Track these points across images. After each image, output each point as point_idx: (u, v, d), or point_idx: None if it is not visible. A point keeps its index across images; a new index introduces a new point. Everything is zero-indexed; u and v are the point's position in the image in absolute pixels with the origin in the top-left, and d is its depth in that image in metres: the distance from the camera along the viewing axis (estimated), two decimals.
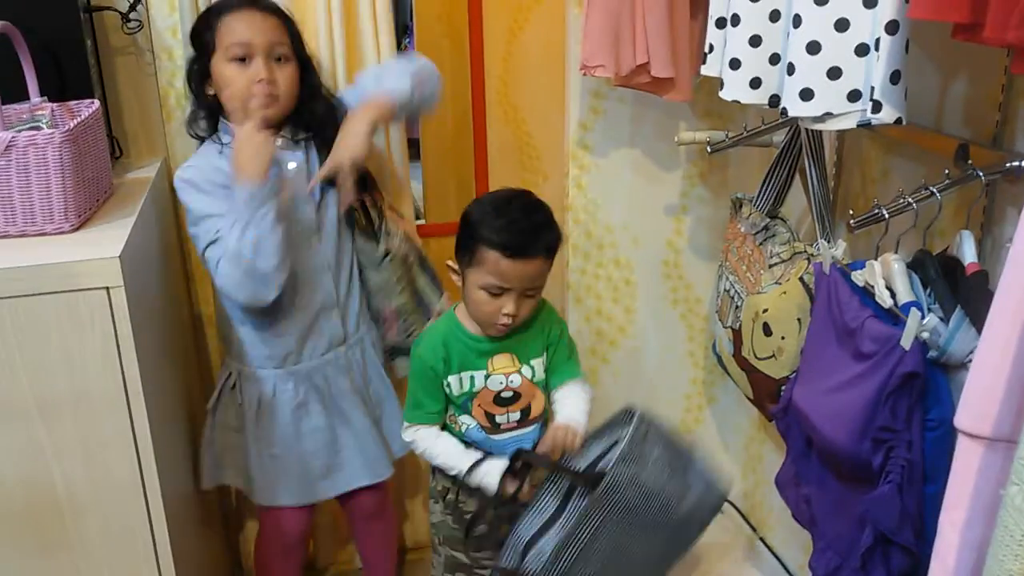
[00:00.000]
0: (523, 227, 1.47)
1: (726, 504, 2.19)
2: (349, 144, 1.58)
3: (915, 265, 1.25)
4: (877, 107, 1.19)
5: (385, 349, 1.82)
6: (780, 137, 1.75)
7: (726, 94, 1.39)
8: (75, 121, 1.39)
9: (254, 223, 1.49)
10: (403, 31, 2.30)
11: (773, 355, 1.62)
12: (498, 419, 1.59)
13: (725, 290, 1.82)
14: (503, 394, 1.58)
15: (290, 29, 1.61)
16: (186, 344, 1.89)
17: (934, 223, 1.27)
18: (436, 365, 1.56)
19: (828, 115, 1.24)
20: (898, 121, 1.20)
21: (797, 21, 1.23)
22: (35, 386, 1.27)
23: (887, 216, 1.28)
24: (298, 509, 1.78)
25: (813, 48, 1.21)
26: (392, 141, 1.90)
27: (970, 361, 1.08)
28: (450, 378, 1.57)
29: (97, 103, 1.52)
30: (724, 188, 2.11)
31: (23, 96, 1.50)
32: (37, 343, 1.26)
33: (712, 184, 2.13)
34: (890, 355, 1.18)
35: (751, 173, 1.97)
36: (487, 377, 1.57)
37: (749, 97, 1.36)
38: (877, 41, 1.17)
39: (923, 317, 1.14)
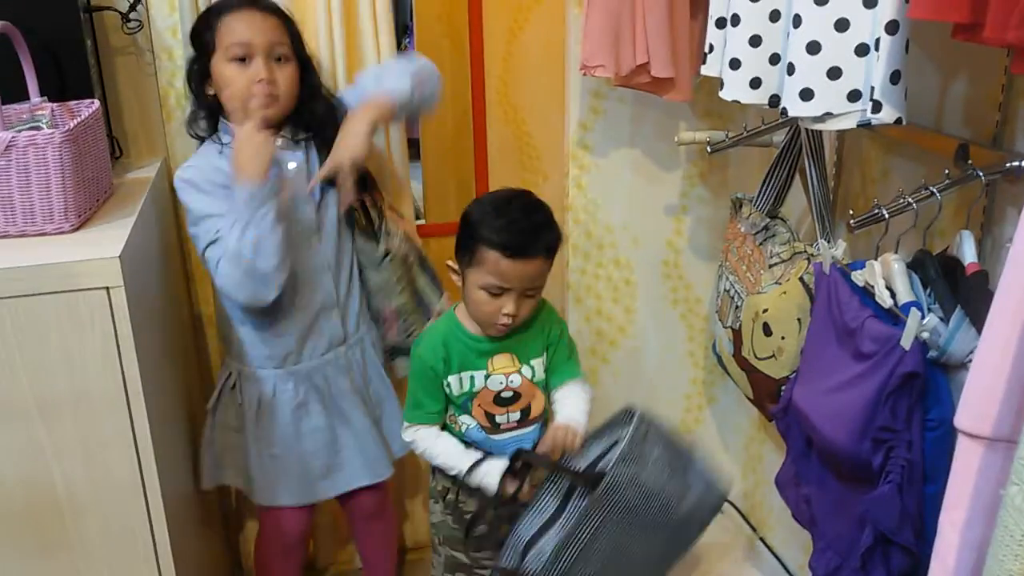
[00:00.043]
0: (523, 227, 1.47)
1: (726, 504, 2.19)
2: (349, 144, 1.58)
3: (915, 265, 1.25)
4: (877, 107, 1.19)
5: (385, 349, 1.82)
6: (780, 137, 1.75)
7: (726, 94, 1.39)
8: (75, 121, 1.39)
9: (254, 223, 1.49)
10: (403, 31, 2.30)
11: (773, 355, 1.62)
12: (498, 419, 1.59)
13: (725, 290, 1.82)
14: (503, 394, 1.58)
15: (290, 29, 1.61)
16: (186, 344, 1.89)
17: (934, 223, 1.27)
18: (436, 365, 1.56)
19: (828, 115, 1.24)
20: (898, 121, 1.20)
21: (797, 21, 1.23)
22: (35, 386, 1.27)
23: (887, 216, 1.28)
24: (298, 509, 1.78)
25: (813, 48, 1.21)
26: (392, 141, 1.90)
27: (970, 361, 1.08)
28: (450, 378, 1.57)
29: (97, 103, 1.52)
30: (724, 188, 2.11)
31: (23, 96, 1.50)
32: (37, 343, 1.26)
33: (712, 184, 2.13)
34: (890, 355, 1.18)
35: (751, 173, 1.97)
36: (487, 377, 1.57)
37: (749, 97, 1.36)
38: (877, 41, 1.17)
39: (923, 317, 1.14)
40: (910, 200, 1.27)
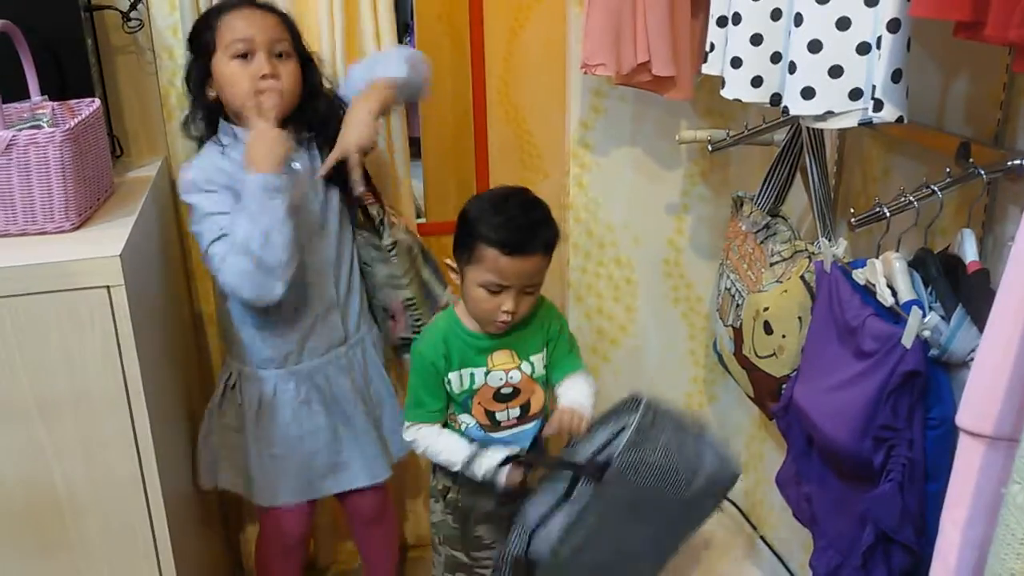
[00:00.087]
0: (521, 224, 1.47)
1: (727, 503, 2.21)
2: (355, 130, 1.58)
3: (916, 263, 1.25)
4: (878, 105, 1.18)
5: (393, 344, 1.81)
6: (781, 136, 1.75)
7: (727, 93, 1.39)
8: (76, 120, 1.39)
9: (265, 215, 1.47)
10: (404, 30, 2.30)
11: (774, 353, 1.62)
12: (498, 416, 1.59)
13: (726, 288, 1.82)
14: (503, 390, 1.58)
15: (289, 27, 1.61)
16: (187, 343, 1.89)
17: (935, 221, 1.27)
18: (437, 361, 1.56)
19: (829, 113, 1.23)
20: (899, 119, 1.19)
21: (798, 20, 1.22)
22: (35, 385, 1.27)
23: (888, 214, 1.28)
24: (298, 510, 1.77)
25: (814, 47, 1.21)
26: (394, 141, 1.90)
27: (971, 359, 1.08)
28: (451, 375, 1.57)
29: (98, 102, 1.52)
30: (725, 187, 2.11)
31: (24, 95, 1.50)
32: (37, 342, 1.26)
33: (713, 183, 2.13)
34: (891, 353, 1.18)
35: (752, 171, 1.97)
36: (487, 374, 1.58)
37: (750, 96, 1.36)
38: (879, 39, 1.16)
39: (924, 315, 1.14)
40: (911, 198, 1.27)
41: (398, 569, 2.08)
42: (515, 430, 1.62)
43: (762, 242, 1.71)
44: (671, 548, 1.51)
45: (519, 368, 1.59)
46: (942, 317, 1.14)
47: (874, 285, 1.26)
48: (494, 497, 1.59)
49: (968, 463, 0.91)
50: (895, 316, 1.21)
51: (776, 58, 1.32)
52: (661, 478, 1.37)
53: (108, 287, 1.25)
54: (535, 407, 1.62)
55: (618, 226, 2.13)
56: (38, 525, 1.34)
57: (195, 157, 1.64)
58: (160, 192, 1.72)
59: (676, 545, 1.51)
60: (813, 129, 1.54)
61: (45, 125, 1.46)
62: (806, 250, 1.60)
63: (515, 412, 1.60)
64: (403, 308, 1.76)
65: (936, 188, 1.25)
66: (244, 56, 1.54)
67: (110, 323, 1.27)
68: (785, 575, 2.04)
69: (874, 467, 1.22)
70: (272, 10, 1.61)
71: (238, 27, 1.55)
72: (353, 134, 1.58)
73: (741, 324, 1.73)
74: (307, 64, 1.63)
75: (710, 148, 1.87)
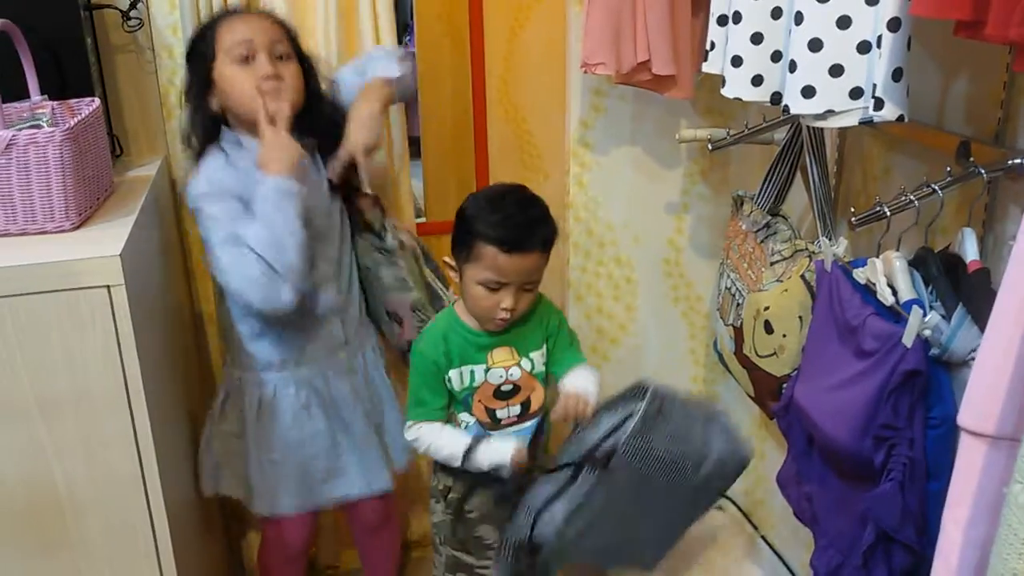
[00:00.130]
0: (519, 221, 1.48)
1: (727, 502, 2.21)
2: (361, 129, 1.59)
3: (917, 263, 1.25)
4: (879, 104, 1.18)
5: (400, 349, 1.81)
6: (781, 135, 1.75)
7: (728, 92, 1.39)
8: (75, 119, 1.39)
9: (279, 219, 1.46)
10: (404, 30, 2.30)
11: (774, 353, 1.62)
12: (498, 413, 1.60)
13: (726, 288, 1.82)
14: (503, 387, 1.58)
15: (288, 31, 1.61)
16: (187, 342, 1.89)
17: (936, 221, 1.27)
18: (438, 359, 1.56)
19: (830, 112, 1.23)
20: (900, 118, 1.19)
21: (799, 18, 1.22)
22: (36, 385, 1.27)
23: (888, 214, 1.28)
24: (300, 519, 1.77)
25: (815, 45, 1.21)
26: (393, 141, 1.90)
27: (972, 359, 1.08)
28: (451, 372, 1.57)
29: (97, 101, 1.52)
30: (725, 186, 2.11)
31: (23, 94, 1.50)
32: (38, 342, 1.26)
33: (713, 182, 2.12)
34: (892, 353, 1.18)
35: (752, 171, 1.97)
36: (487, 371, 1.58)
37: (751, 95, 1.36)
38: (879, 38, 1.16)
39: (925, 315, 1.14)
40: (912, 197, 1.27)
41: (399, 570, 2.08)
42: (515, 428, 1.62)
43: (762, 241, 1.71)
44: (677, 532, 1.51)
45: (519, 365, 1.59)
46: (943, 316, 1.14)
47: (874, 284, 1.26)
48: (496, 492, 1.58)
49: (970, 462, 0.90)
50: (896, 315, 1.21)
51: (776, 57, 1.32)
52: (667, 466, 1.37)
53: (108, 287, 1.25)
54: (535, 404, 1.62)
55: (618, 225, 2.12)
56: (39, 524, 1.34)
57: (200, 166, 1.60)
58: (160, 191, 1.72)
59: (682, 529, 1.51)
60: (813, 128, 1.54)
61: (45, 124, 1.46)
62: (806, 249, 1.60)
63: (515, 410, 1.61)
64: (410, 311, 1.75)
65: (937, 187, 1.24)
66: (245, 60, 1.53)
67: (110, 322, 1.27)
68: (786, 574, 2.04)
69: (875, 466, 1.22)
70: (269, 14, 1.62)
71: (237, 30, 1.54)
72: (359, 134, 1.58)
73: (742, 323, 1.73)
74: (308, 71, 1.63)
75: (710, 147, 1.87)
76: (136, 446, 1.33)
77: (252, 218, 1.48)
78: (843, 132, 1.68)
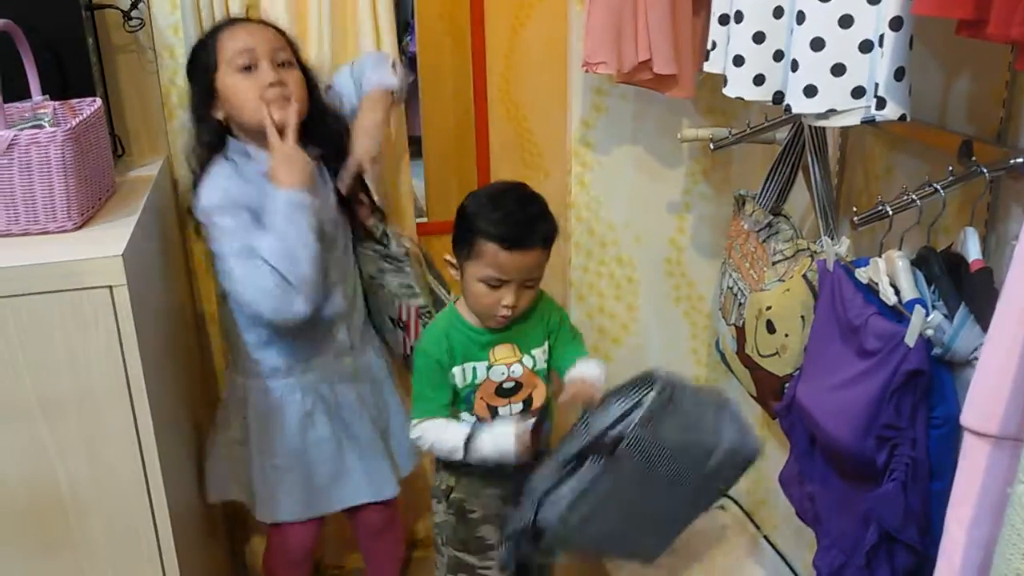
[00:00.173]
0: (519, 219, 1.48)
1: (730, 502, 2.20)
2: (365, 141, 1.60)
3: (919, 262, 1.25)
4: (881, 104, 1.18)
5: (406, 354, 1.80)
6: (783, 134, 1.74)
7: (729, 91, 1.39)
8: (77, 119, 1.39)
9: (292, 231, 1.47)
10: (404, 28, 2.30)
11: (776, 352, 1.62)
12: (500, 411, 1.60)
13: (728, 287, 1.82)
14: (505, 384, 1.59)
15: (288, 40, 1.62)
16: (189, 342, 1.89)
17: (938, 220, 1.27)
18: (441, 357, 1.57)
19: (832, 112, 1.23)
20: (902, 118, 1.19)
21: (801, 17, 1.22)
22: (38, 385, 1.27)
23: (891, 213, 1.28)
24: (305, 525, 1.76)
25: (817, 45, 1.21)
26: (393, 141, 1.90)
27: (975, 358, 1.08)
28: (454, 369, 1.57)
29: (99, 101, 1.52)
30: (727, 185, 2.10)
31: (25, 94, 1.50)
32: (40, 342, 1.26)
33: (715, 181, 2.12)
34: (894, 352, 1.18)
35: (754, 170, 1.96)
36: (489, 368, 1.58)
37: (752, 94, 1.36)
38: (881, 37, 1.16)
39: (927, 314, 1.14)
40: (914, 197, 1.26)
41: (401, 571, 2.08)
42: None
43: (764, 241, 1.70)
44: (681, 525, 1.51)
45: (520, 362, 1.59)
46: (945, 316, 1.14)
47: (877, 284, 1.26)
48: (499, 492, 1.58)
49: (973, 462, 0.90)
50: (898, 315, 1.21)
51: (778, 56, 1.32)
52: (675, 455, 1.37)
53: (111, 287, 1.25)
54: (537, 401, 1.63)
55: (620, 225, 2.12)
56: (41, 524, 1.34)
57: (208, 178, 1.59)
58: (162, 191, 1.72)
59: (688, 519, 1.50)
60: (815, 127, 1.54)
61: (46, 125, 1.46)
62: (808, 249, 1.60)
63: (517, 407, 1.61)
64: (417, 316, 1.75)
65: (939, 186, 1.24)
66: (248, 68, 1.53)
67: (112, 322, 1.27)
68: (788, 574, 2.04)
69: (877, 466, 1.22)
70: (269, 23, 1.62)
71: (239, 39, 1.54)
72: (365, 145, 1.59)
73: (743, 323, 1.72)
74: (309, 79, 1.63)
75: (712, 146, 1.86)
76: (139, 446, 1.33)
77: (264, 230, 1.48)
78: (845, 131, 1.67)
